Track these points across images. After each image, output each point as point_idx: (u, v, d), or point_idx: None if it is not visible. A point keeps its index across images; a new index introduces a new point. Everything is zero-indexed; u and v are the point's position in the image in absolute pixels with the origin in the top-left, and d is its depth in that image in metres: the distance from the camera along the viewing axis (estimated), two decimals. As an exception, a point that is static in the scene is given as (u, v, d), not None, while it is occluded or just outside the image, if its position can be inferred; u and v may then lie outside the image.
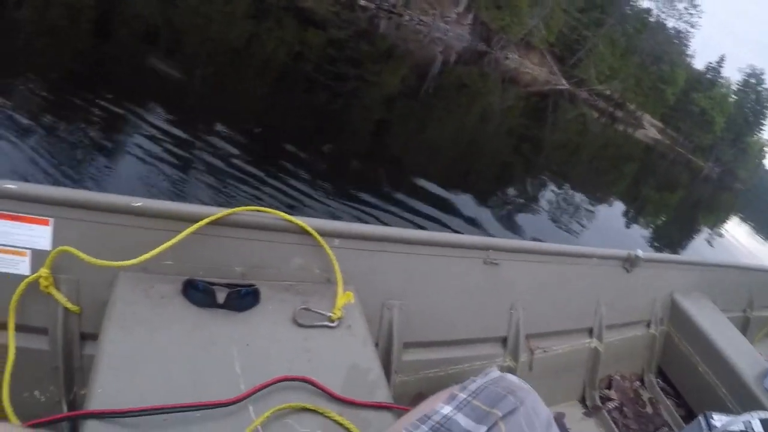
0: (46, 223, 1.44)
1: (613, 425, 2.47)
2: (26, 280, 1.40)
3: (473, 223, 6.54)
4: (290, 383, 1.21)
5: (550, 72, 24.11)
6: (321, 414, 1.17)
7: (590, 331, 2.54)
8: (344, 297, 1.50)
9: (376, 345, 1.81)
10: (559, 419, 2.36)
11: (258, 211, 1.56)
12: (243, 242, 1.56)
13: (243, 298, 1.40)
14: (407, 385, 1.92)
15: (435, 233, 1.92)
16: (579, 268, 2.38)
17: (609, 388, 2.68)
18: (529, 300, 2.20)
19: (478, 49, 23.71)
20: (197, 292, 1.37)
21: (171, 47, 9.58)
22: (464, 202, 7.20)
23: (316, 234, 1.58)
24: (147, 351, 1.21)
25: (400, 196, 6.41)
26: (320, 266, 1.63)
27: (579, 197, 9.60)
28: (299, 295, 1.53)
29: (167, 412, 1.06)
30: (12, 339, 1.39)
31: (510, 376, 1.04)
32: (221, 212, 1.48)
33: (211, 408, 1.09)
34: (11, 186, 1.41)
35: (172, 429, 1.06)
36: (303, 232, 1.59)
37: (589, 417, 2.51)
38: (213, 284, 1.41)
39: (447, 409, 0.96)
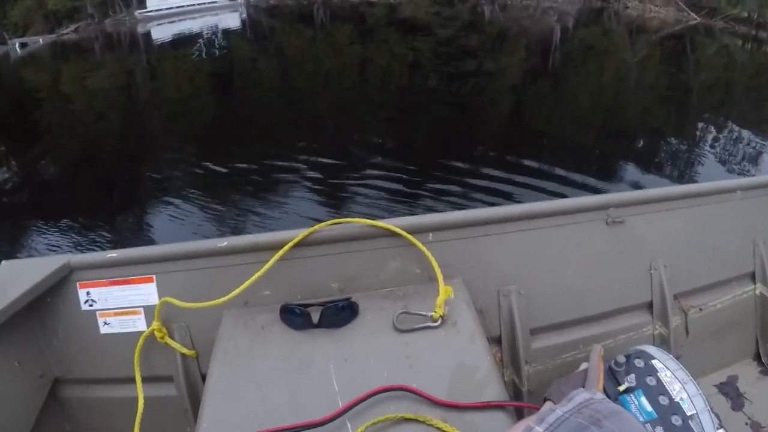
0: (151, 280, 1.60)
1: None
2: (143, 335, 1.56)
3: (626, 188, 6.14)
4: (388, 394, 1.19)
5: (677, 9, 22.81)
6: (423, 422, 1.14)
7: (752, 276, 2.19)
8: (444, 292, 1.44)
9: (499, 337, 1.79)
10: (731, 383, 2.13)
11: (340, 223, 1.59)
12: (334, 258, 1.59)
13: (339, 313, 1.42)
14: (543, 374, 1.82)
15: (541, 203, 1.79)
16: (723, 207, 2.06)
17: (786, 337, 2.31)
18: (670, 255, 1.96)
19: (594, 6, 23.07)
20: (294, 316, 1.42)
21: (293, 96, 10.18)
22: (622, 169, 7.03)
23: (404, 233, 1.56)
24: (247, 381, 1.28)
25: (547, 175, 6.41)
26: (419, 266, 1.61)
27: (742, 136, 9.17)
28: (400, 300, 1.52)
29: None
30: (140, 389, 1.54)
31: (599, 399, 0.92)
32: (303, 233, 1.53)
33: (308, 429, 1.11)
34: (114, 254, 1.60)
35: None
36: (392, 234, 1.58)
37: (766, 375, 2.20)
38: (310, 305, 1.44)
39: None
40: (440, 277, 1.49)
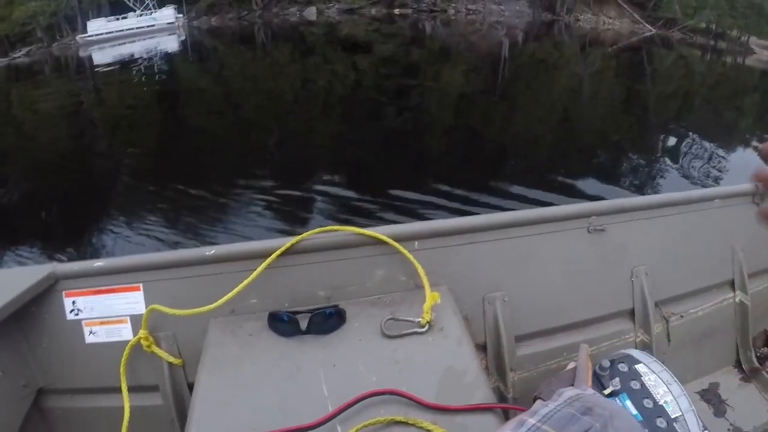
0: (137, 289, 1.65)
1: None
2: (129, 343, 1.62)
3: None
4: (378, 398, 1.26)
5: (632, 21, 23.53)
6: (413, 425, 1.20)
7: (731, 284, 2.33)
8: (431, 298, 1.52)
9: (484, 344, 1.87)
10: (713, 390, 2.24)
11: (327, 231, 1.67)
12: (321, 265, 1.67)
13: (327, 320, 1.50)
14: (527, 381, 1.91)
15: (524, 211, 1.89)
16: (701, 215, 2.17)
17: (766, 345, 2.44)
18: (651, 263, 2.06)
19: (543, 19, 23.61)
20: (281, 323, 1.50)
21: (234, 115, 10.38)
22: (580, 182, 7.21)
23: (391, 241, 1.65)
24: (236, 387, 1.34)
25: (502, 189, 6.61)
26: (405, 273, 1.69)
27: (701, 147, 9.32)
28: (387, 307, 1.60)
29: None
30: (126, 399, 1.60)
31: (589, 394, 1.01)
32: (290, 241, 1.61)
33: None
34: (100, 263, 1.66)
35: None
36: (379, 242, 1.66)
37: (747, 382, 2.31)
38: (297, 312, 1.52)
39: None
40: (426, 283, 1.57)
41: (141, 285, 1.64)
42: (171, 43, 21.72)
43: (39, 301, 1.64)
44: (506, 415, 1.36)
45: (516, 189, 6.59)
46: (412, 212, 5.98)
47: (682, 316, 2.18)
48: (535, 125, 10.30)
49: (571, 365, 1.42)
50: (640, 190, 7.38)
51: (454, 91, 13.02)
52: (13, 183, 7.52)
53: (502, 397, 1.87)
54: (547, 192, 6.50)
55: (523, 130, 9.90)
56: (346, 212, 6.13)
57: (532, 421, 0.91)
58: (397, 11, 27.81)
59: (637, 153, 8.94)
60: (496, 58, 16.64)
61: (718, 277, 2.28)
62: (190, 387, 1.65)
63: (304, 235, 1.63)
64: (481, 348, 1.87)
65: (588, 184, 7.05)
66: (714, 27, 23.58)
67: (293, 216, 6.21)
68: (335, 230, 1.67)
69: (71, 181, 7.38)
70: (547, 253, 1.89)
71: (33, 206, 6.75)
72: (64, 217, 6.42)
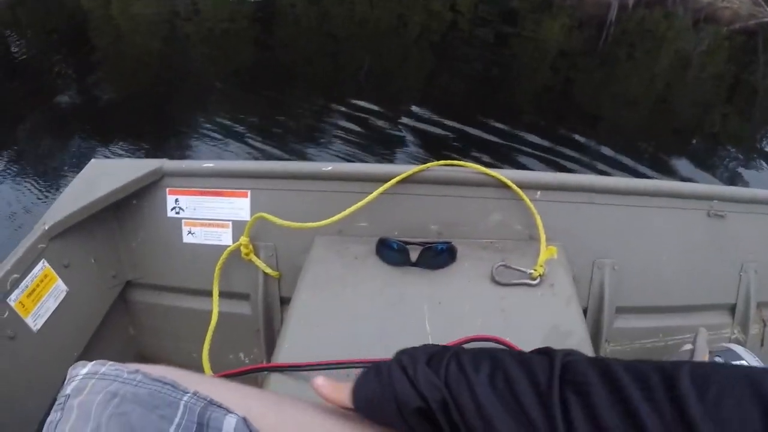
0: (245, 195, 1.67)
1: None
2: (228, 249, 1.64)
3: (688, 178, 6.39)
4: (480, 343, 1.22)
5: (752, 3, 22.38)
6: None
7: None
8: (547, 252, 1.49)
9: (585, 309, 1.81)
10: None
11: (451, 165, 1.63)
12: (438, 199, 1.64)
13: (438, 255, 1.47)
14: (620, 355, 1.85)
15: (650, 181, 1.82)
16: None
17: None
18: (763, 261, 1.96)
19: (659, -15, 22.65)
20: (390, 251, 1.48)
21: (328, 38, 10.46)
22: (672, 162, 7.02)
23: (515, 186, 1.61)
24: (336, 308, 1.33)
25: (591, 153, 6.55)
26: (521, 222, 1.65)
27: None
28: (498, 253, 1.57)
29: (348, 367, 1.14)
30: (216, 304, 1.63)
31: None
32: (412, 169, 1.58)
33: None
34: (210, 165, 1.68)
35: None
36: (501, 185, 1.62)
37: None
38: (408, 243, 1.50)
39: None
40: (543, 236, 1.54)
41: (249, 192, 1.66)
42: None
43: (141, 195, 1.67)
44: None
45: (604, 155, 6.57)
46: (499, 158, 5.96)
47: None
48: (633, 97, 9.99)
49: (686, 347, 1.45)
50: (734, 183, 7.01)
51: (553, 45, 12.71)
52: (114, 85, 7.71)
53: None
54: (636, 164, 6.40)
55: (620, 98, 9.63)
56: (435, 148, 6.12)
57: None
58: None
59: (737, 145, 8.62)
60: (602, 19, 16.03)
61: None
62: (282, 301, 1.70)
63: (427, 165, 1.61)
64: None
65: (680, 166, 6.87)
66: None
67: (382, 146, 6.24)
68: (458, 165, 1.64)
69: (168, 86, 7.57)
70: (663, 228, 1.84)
71: (133, 107, 6.91)
72: (163, 120, 6.58)
